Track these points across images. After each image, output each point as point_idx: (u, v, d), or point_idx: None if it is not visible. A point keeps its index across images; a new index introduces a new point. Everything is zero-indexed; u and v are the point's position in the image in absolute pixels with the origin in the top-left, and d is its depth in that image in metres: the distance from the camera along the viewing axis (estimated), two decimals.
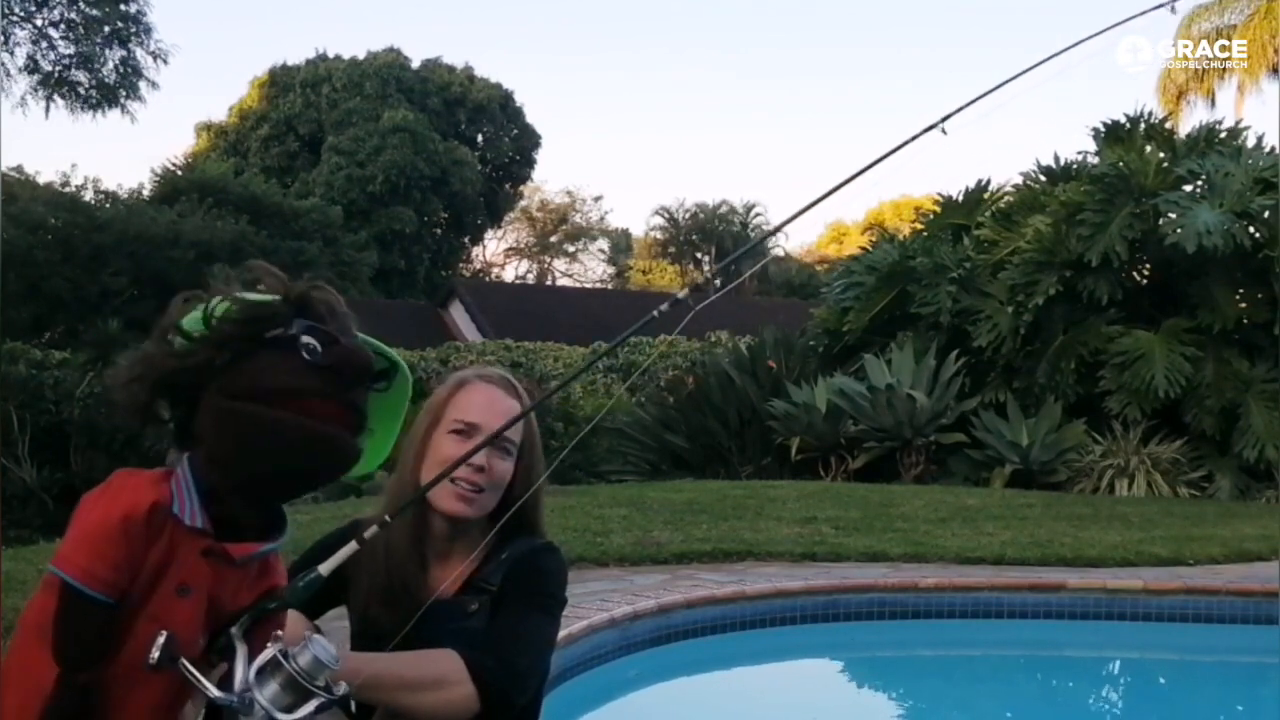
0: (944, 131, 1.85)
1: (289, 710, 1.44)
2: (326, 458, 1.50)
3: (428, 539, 2.13)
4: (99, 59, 18.83)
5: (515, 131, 39.09)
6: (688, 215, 45.82)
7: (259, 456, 1.48)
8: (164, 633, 1.41)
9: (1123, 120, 11.77)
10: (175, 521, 1.46)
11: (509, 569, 2.12)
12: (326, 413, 1.47)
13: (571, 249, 49.76)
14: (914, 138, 1.83)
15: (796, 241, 58.78)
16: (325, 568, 1.57)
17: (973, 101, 1.90)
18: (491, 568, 2.13)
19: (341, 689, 1.50)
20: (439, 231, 37.84)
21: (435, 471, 2.02)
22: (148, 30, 19.15)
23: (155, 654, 1.40)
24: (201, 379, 1.48)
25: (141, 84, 19.26)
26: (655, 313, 1.76)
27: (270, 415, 1.45)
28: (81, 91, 18.82)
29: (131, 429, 1.53)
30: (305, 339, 1.48)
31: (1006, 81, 1.94)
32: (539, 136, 39.81)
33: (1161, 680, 6.10)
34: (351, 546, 1.61)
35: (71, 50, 18.80)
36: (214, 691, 1.43)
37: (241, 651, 1.48)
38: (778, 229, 1.87)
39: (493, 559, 2.14)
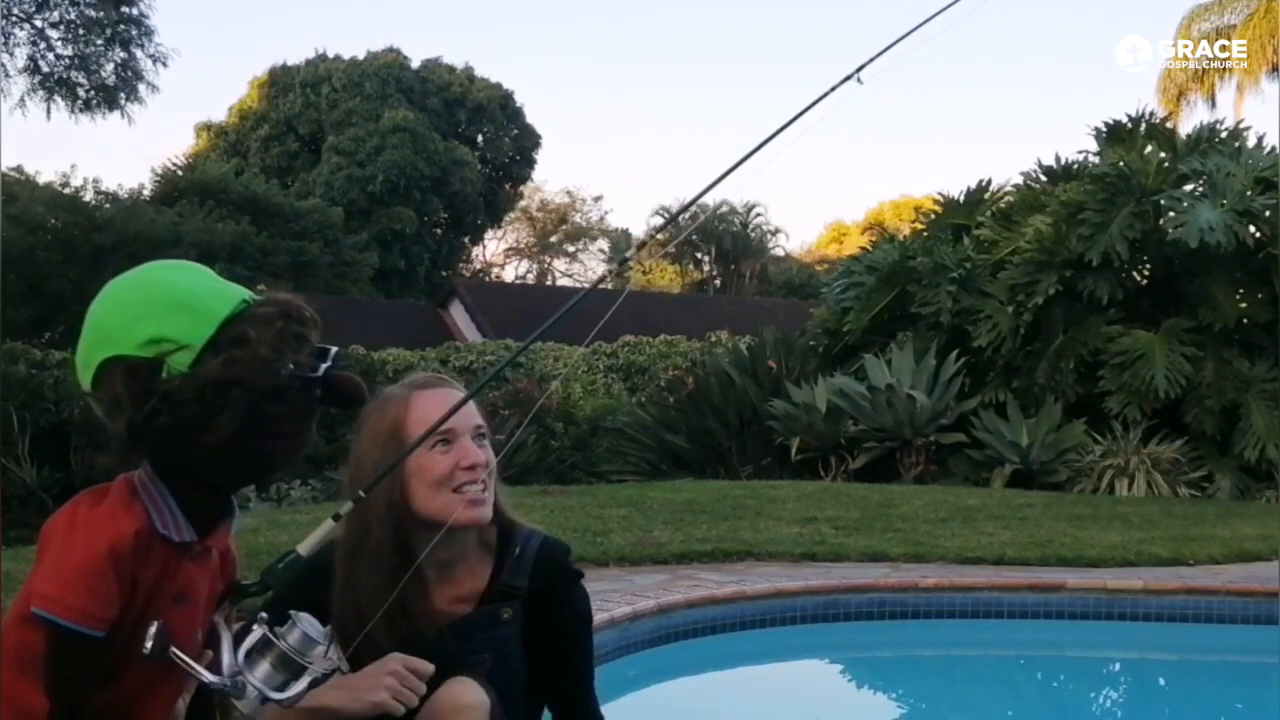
0: (860, 80, 1.88)
1: (282, 689, 1.44)
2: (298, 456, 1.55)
3: (423, 575, 2.03)
4: (98, 61, 18.82)
5: (515, 131, 39.09)
6: (688, 215, 45.76)
7: (232, 475, 1.51)
8: (155, 623, 1.41)
9: (1124, 120, 11.77)
10: (162, 540, 1.46)
11: (539, 574, 2.09)
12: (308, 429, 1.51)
13: (571, 249, 49.74)
14: (832, 89, 1.87)
15: (797, 241, 58.78)
16: (303, 548, 1.55)
17: (883, 51, 1.93)
18: (509, 567, 2.09)
19: (331, 664, 1.50)
20: (439, 231, 37.85)
21: (437, 489, 2.00)
22: (149, 33, 19.15)
23: (149, 644, 1.40)
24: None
25: (141, 86, 19.25)
26: (616, 274, 1.78)
27: (263, 449, 1.48)
28: (81, 94, 18.82)
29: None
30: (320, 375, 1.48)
31: (911, 31, 1.97)
32: (539, 136, 39.83)
33: (1161, 680, 6.10)
34: (328, 524, 1.60)
35: (71, 51, 18.80)
36: (207, 676, 1.43)
37: (226, 636, 1.48)
38: (703, 193, 1.87)
39: (505, 557, 2.10)
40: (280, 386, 1.43)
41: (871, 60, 1.90)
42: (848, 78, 1.87)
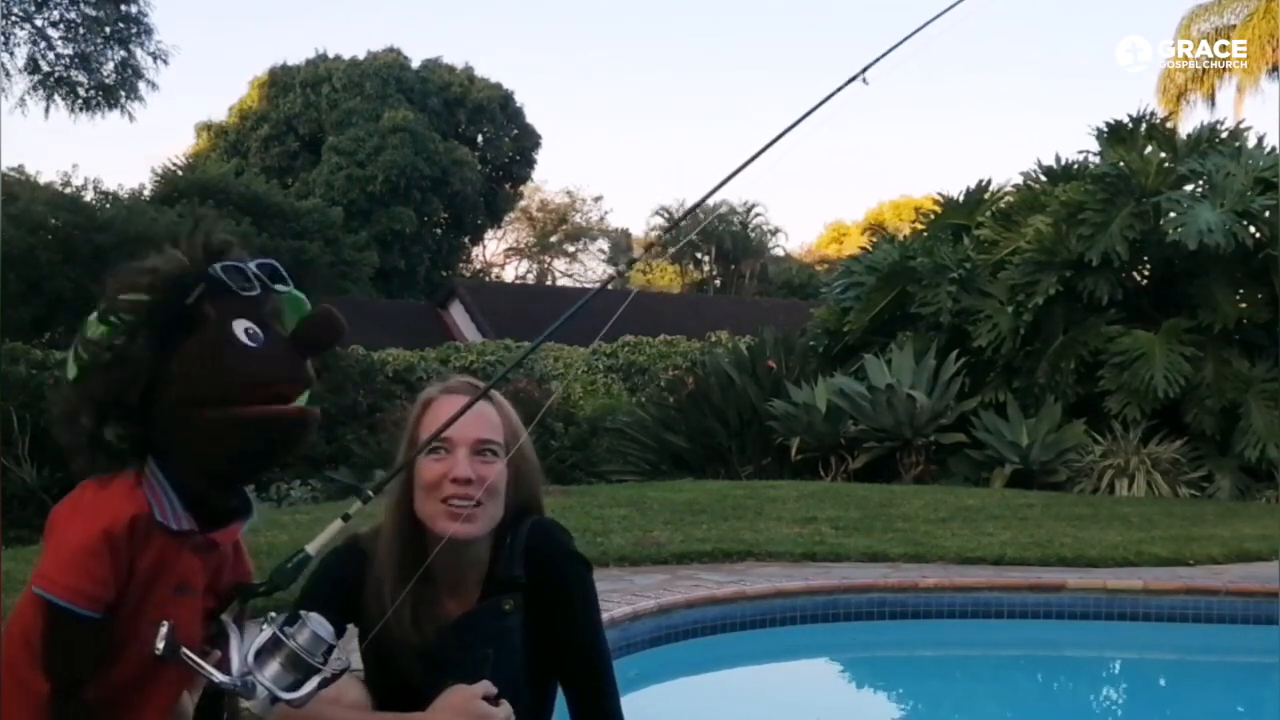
0: (865, 81, 1.87)
1: (292, 689, 1.44)
2: (296, 436, 1.53)
3: (434, 583, 2.02)
4: (98, 59, 18.82)
5: (515, 131, 39.08)
6: (691, 217, 45.75)
7: (231, 453, 1.49)
8: (166, 623, 1.41)
9: (1124, 120, 11.77)
10: (160, 528, 1.47)
11: (533, 556, 2.07)
12: (287, 393, 1.50)
13: (571, 249, 49.75)
14: (837, 90, 1.85)
15: (797, 241, 58.76)
16: (312, 547, 1.55)
17: (888, 52, 1.91)
18: (506, 556, 2.06)
19: (341, 664, 1.49)
20: (439, 231, 37.83)
21: (425, 496, 1.98)
22: (148, 31, 19.14)
23: (160, 645, 1.40)
24: (148, 390, 1.47)
25: (141, 84, 19.24)
26: (612, 279, 1.77)
27: (240, 417, 1.46)
28: (81, 93, 18.81)
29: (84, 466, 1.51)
30: (244, 325, 1.50)
31: (916, 31, 1.95)
32: (539, 136, 39.83)
33: (1161, 680, 6.10)
34: (337, 523, 1.60)
35: (71, 50, 18.79)
36: (218, 676, 1.43)
37: (235, 636, 1.48)
38: (709, 194, 1.87)
39: (501, 547, 2.07)
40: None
41: (876, 61, 1.88)
42: (853, 79, 1.86)
